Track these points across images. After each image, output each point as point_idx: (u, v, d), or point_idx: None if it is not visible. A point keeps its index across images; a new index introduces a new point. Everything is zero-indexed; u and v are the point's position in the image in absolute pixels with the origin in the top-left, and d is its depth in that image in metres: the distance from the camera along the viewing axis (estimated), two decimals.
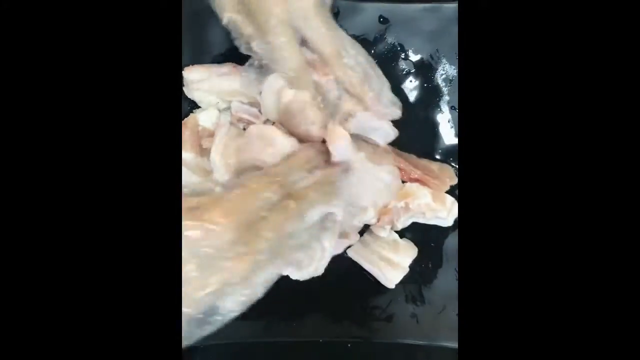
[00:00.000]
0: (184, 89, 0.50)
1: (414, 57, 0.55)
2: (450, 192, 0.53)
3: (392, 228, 0.53)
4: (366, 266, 0.54)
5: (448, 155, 0.55)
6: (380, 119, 0.49)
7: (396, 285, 0.53)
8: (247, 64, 0.47)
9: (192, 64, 0.51)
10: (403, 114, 0.51)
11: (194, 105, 0.52)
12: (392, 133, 0.51)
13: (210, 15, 0.50)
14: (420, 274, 0.54)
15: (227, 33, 0.52)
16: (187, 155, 0.47)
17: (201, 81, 0.49)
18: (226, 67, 0.50)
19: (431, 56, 0.55)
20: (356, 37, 0.53)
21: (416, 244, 0.54)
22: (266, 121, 0.49)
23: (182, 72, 0.49)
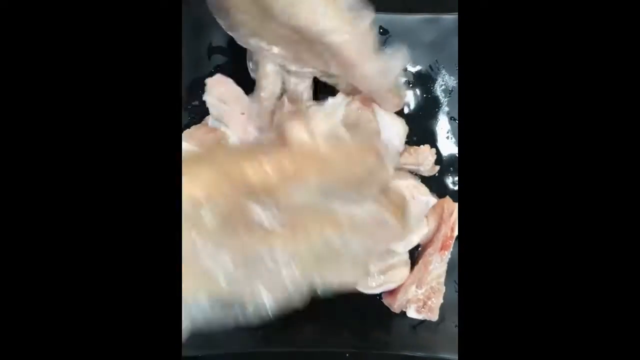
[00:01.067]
0: (205, 94, 0.50)
1: (413, 68, 0.55)
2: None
3: None
4: None
5: (447, 167, 0.55)
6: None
7: None
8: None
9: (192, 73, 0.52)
10: None
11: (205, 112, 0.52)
12: (400, 145, 0.52)
13: (211, 25, 0.51)
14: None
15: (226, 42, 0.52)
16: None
17: (219, 100, 0.50)
18: (238, 108, 0.50)
19: (430, 67, 0.55)
20: None
21: (415, 254, 0.54)
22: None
23: (207, 80, 0.50)
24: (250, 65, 0.49)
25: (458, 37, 0.40)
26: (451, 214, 0.52)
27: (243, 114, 0.49)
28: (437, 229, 0.53)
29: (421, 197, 0.50)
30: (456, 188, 0.56)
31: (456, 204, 0.53)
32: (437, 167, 0.54)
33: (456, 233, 0.52)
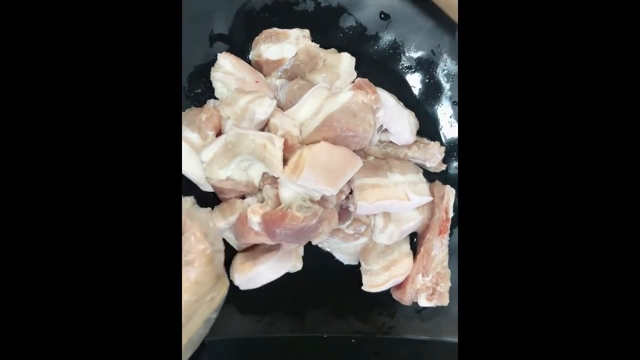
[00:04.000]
0: (212, 69, 0.51)
1: (415, 54, 0.55)
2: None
3: None
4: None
5: (450, 150, 0.55)
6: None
7: None
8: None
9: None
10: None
11: (209, 89, 0.52)
12: (410, 138, 0.53)
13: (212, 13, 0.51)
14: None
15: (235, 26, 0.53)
16: (196, 138, 0.49)
17: (226, 74, 0.51)
18: (252, 77, 0.51)
19: (432, 52, 0.55)
20: (357, 34, 0.54)
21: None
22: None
23: (218, 55, 0.51)
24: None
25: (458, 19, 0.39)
26: (442, 198, 0.52)
27: (257, 81, 0.51)
28: (432, 214, 0.53)
29: (415, 197, 0.50)
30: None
31: (447, 187, 0.53)
32: (444, 166, 0.54)
33: (451, 215, 0.53)
